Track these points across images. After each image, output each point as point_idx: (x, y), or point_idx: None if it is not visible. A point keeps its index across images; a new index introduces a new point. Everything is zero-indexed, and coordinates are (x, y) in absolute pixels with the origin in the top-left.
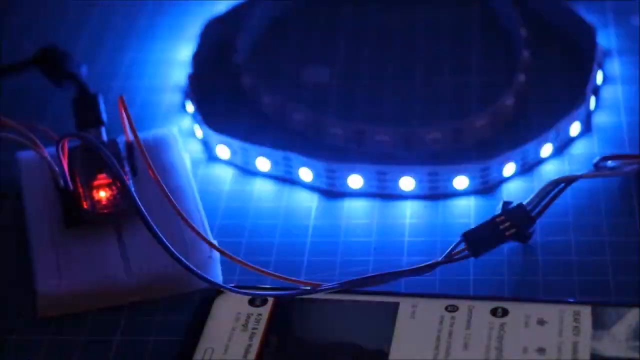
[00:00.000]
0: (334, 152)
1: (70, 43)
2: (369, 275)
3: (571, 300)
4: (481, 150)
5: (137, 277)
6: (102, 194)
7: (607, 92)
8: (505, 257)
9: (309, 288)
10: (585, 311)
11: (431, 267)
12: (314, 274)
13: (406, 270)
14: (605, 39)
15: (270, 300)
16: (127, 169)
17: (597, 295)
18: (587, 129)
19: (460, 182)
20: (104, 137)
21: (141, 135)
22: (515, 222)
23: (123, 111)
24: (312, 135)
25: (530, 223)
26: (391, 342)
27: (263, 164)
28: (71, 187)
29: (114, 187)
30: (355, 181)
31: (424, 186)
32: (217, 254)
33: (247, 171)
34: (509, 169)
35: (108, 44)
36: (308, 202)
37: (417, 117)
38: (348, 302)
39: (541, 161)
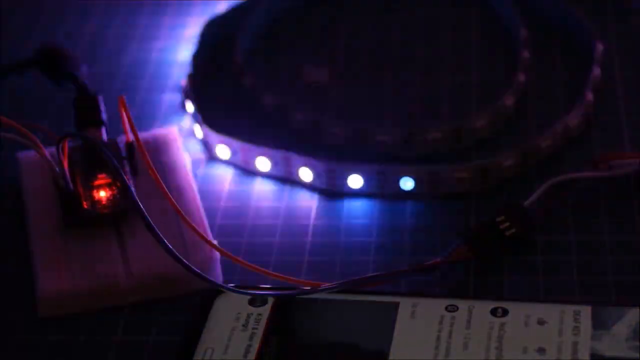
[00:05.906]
0: (334, 152)
1: (70, 43)
2: (369, 275)
3: (571, 300)
4: (481, 150)
5: (137, 277)
6: (102, 194)
7: (607, 92)
8: (505, 257)
9: (309, 288)
10: (585, 311)
11: (431, 267)
12: (314, 274)
13: (406, 270)
14: (605, 39)
15: (270, 300)
16: (127, 169)
17: (597, 295)
18: (587, 128)
19: (460, 182)
20: (104, 137)
21: (141, 135)
22: (515, 222)
23: (123, 111)
24: (312, 135)
25: (530, 223)
26: (391, 342)
27: (263, 164)
28: (71, 187)
29: (114, 187)
30: (355, 181)
31: (423, 186)
32: (217, 254)
33: (247, 171)
34: (509, 168)
35: (108, 44)
36: (308, 202)
37: (417, 117)
38: (348, 302)
39: (541, 161)
